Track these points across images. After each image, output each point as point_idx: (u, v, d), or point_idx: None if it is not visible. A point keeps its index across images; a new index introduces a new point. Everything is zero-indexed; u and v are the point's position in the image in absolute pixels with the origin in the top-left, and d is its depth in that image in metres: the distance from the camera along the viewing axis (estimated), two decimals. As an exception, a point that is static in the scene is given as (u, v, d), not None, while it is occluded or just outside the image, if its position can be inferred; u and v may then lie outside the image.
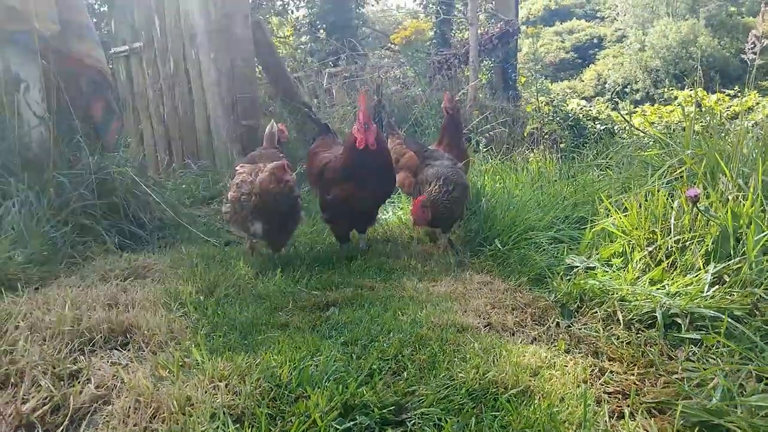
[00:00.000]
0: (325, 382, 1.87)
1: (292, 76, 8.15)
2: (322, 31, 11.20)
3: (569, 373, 2.02)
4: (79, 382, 1.91)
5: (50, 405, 1.77)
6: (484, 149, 6.91)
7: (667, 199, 3.10)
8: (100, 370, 2.02)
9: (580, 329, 2.48)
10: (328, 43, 10.88)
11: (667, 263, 2.77)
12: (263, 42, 6.77)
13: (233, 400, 1.75)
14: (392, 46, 12.77)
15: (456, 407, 1.77)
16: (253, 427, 1.64)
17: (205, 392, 1.78)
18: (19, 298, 2.61)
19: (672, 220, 2.89)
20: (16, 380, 1.90)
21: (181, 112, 6.67)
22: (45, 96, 4.27)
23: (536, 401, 1.80)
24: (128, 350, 2.21)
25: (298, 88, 7.48)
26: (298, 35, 12.52)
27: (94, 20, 5.36)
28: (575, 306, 2.71)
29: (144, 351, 2.19)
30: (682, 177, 3.34)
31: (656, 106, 11.32)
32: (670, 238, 2.83)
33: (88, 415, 1.76)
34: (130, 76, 7.08)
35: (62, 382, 1.91)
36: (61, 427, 1.69)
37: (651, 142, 4.42)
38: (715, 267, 2.54)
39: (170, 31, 6.45)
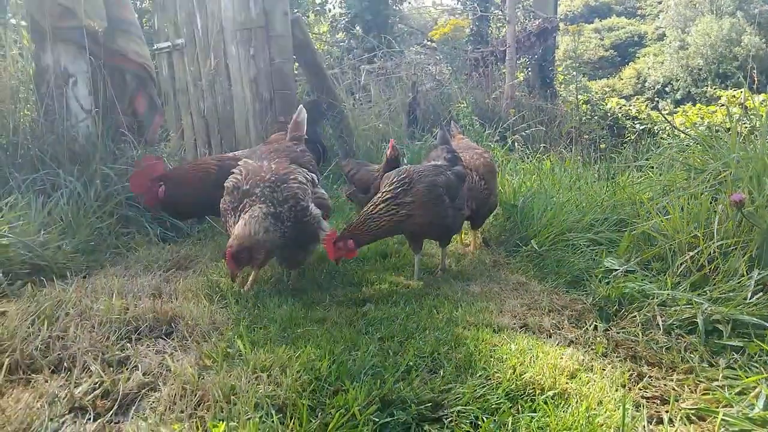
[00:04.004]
0: (363, 376, 1.91)
1: (329, 72, 8.20)
2: (358, 28, 11.22)
3: (607, 377, 2.01)
4: (127, 369, 1.99)
5: (100, 390, 1.85)
6: (520, 148, 6.84)
7: (711, 203, 3.04)
8: (146, 357, 2.09)
9: (618, 333, 2.46)
10: (365, 40, 10.89)
11: (709, 268, 2.72)
12: (302, 39, 6.84)
13: (275, 390, 1.79)
14: (428, 42, 12.73)
15: (493, 407, 1.79)
16: (294, 417, 1.68)
17: (248, 382, 1.84)
18: (68, 287, 2.70)
19: (715, 225, 2.84)
20: (68, 365, 1.99)
21: (221, 108, 6.78)
22: (92, 90, 4.42)
23: (574, 404, 1.80)
24: (173, 339, 2.28)
25: (335, 85, 7.52)
26: (334, 31, 12.57)
27: (137, 16, 5.50)
28: (613, 309, 2.68)
29: (188, 340, 2.26)
30: (726, 181, 3.27)
31: (698, 106, 11.03)
32: (713, 243, 2.78)
33: (137, 400, 1.83)
34: (172, 71, 7.22)
35: (111, 368, 1.99)
36: (111, 412, 1.77)
37: (693, 144, 4.31)
38: (759, 274, 2.49)
39: (211, 28, 6.56)
